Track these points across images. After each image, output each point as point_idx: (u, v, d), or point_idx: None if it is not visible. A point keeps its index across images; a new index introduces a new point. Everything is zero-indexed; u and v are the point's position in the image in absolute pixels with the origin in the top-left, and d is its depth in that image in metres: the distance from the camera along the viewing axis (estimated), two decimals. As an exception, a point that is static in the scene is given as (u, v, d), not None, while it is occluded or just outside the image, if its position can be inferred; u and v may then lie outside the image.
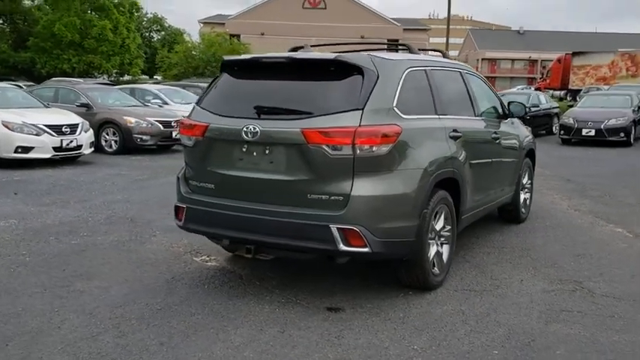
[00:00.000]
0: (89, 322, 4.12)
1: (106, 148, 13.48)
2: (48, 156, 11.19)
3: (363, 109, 4.14)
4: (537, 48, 78.05)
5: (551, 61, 79.16)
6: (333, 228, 4.08)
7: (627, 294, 4.80)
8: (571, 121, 17.21)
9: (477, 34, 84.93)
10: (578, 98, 38.02)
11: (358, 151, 4.07)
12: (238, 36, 45.64)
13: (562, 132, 17.78)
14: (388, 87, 4.37)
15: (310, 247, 4.25)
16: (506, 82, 71.83)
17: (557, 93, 45.32)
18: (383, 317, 4.26)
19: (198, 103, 4.88)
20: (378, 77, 4.30)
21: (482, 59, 77.91)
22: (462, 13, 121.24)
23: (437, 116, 4.92)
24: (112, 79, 39.61)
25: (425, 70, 4.99)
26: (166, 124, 13.80)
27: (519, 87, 64.89)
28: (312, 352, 3.70)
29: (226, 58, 4.84)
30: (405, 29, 55.61)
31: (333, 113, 4.16)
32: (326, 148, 4.09)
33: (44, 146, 11.10)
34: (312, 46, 5.92)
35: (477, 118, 5.79)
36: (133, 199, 8.40)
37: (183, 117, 4.99)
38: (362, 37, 53.79)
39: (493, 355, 3.68)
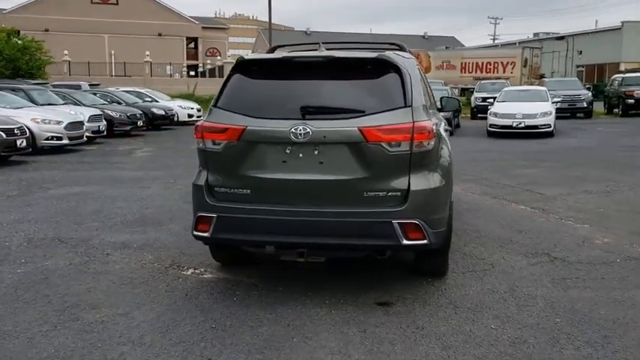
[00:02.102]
0: (155, 351, 3.71)
1: None
2: None
3: (412, 107, 4.29)
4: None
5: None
6: (395, 223, 4.17)
7: (593, 259, 5.59)
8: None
9: (268, 34, 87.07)
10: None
11: (414, 147, 4.21)
12: (18, 32, 41.21)
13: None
14: (417, 84, 4.57)
15: (371, 244, 4.29)
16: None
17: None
18: (434, 304, 4.47)
19: (215, 104, 4.56)
20: (410, 75, 4.48)
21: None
22: (247, 12, 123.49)
23: (432, 111, 5.24)
24: None
25: (417, 67, 5.26)
26: (9, 132, 12.19)
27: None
28: (415, 345, 3.78)
29: (247, 57, 4.61)
30: (204, 27, 55.13)
31: (385, 111, 4.25)
32: (385, 146, 4.17)
33: None
34: (278, 46, 5.82)
35: (438, 112, 6.23)
36: (32, 218, 7.42)
37: (203, 120, 4.60)
38: (159, 35, 52.23)
39: (558, 323, 4.11)
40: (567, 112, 24.70)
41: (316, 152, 4.24)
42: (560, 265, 5.43)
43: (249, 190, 4.38)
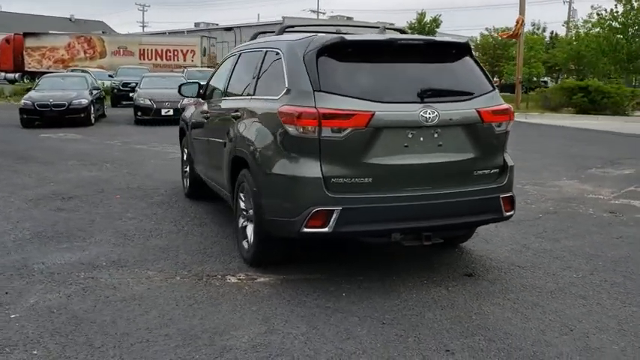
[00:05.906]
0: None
1: None
2: None
3: (496, 91, 4.66)
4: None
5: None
6: (500, 198, 4.53)
7: (524, 217, 6.71)
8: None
9: None
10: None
11: (508, 127, 4.61)
12: None
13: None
14: None
15: (482, 220, 4.57)
16: None
17: (10, 76, 42.93)
18: (504, 269, 4.96)
19: (318, 88, 4.11)
20: (476, 61, 4.83)
21: None
22: None
23: None
24: None
25: None
26: None
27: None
28: (565, 301, 4.27)
29: (349, 38, 4.26)
30: None
31: (485, 93, 4.53)
32: (494, 126, 4.47)
33: None
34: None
35: None
36: None
37: (305, 106, 4.02)
38: None
39: (602, 266, 5.04)
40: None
41: (436, 135, 4.29)
42: (515, 224, 6.38)
43: (371, 179, 4.17)
